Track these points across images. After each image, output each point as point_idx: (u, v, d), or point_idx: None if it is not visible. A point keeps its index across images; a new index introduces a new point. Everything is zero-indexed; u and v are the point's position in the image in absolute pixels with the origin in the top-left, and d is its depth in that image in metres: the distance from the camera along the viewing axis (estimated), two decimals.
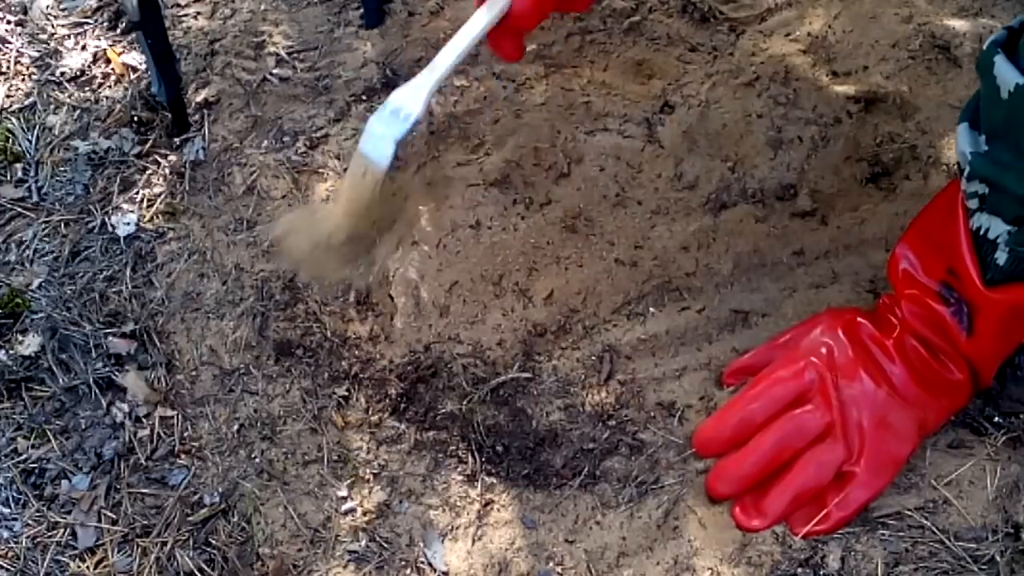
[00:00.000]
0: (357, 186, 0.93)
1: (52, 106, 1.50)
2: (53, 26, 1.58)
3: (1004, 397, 1.14)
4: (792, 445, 1.05)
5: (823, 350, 1.09)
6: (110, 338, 1.28)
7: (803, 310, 1.24)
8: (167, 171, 1.43)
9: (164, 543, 1.15)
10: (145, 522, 1.16)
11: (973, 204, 0.99)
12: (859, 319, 1.12)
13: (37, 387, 1.26)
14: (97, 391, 1.25)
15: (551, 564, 1.11)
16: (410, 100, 0.92)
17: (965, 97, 1.27)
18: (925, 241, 1.08)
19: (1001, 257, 0.97)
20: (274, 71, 1.49)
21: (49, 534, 1.16)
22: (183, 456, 1.22)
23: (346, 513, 1.17)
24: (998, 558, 1.05)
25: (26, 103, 1.50)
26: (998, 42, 0.91)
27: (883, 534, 1.08)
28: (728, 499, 1.09)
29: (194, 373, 1.27)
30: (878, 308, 1.13)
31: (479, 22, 0.93)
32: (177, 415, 1.24)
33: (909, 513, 1.09)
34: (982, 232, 0.98)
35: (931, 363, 1.07)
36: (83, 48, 1.56)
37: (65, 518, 1.17)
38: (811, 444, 1.05)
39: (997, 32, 0.93)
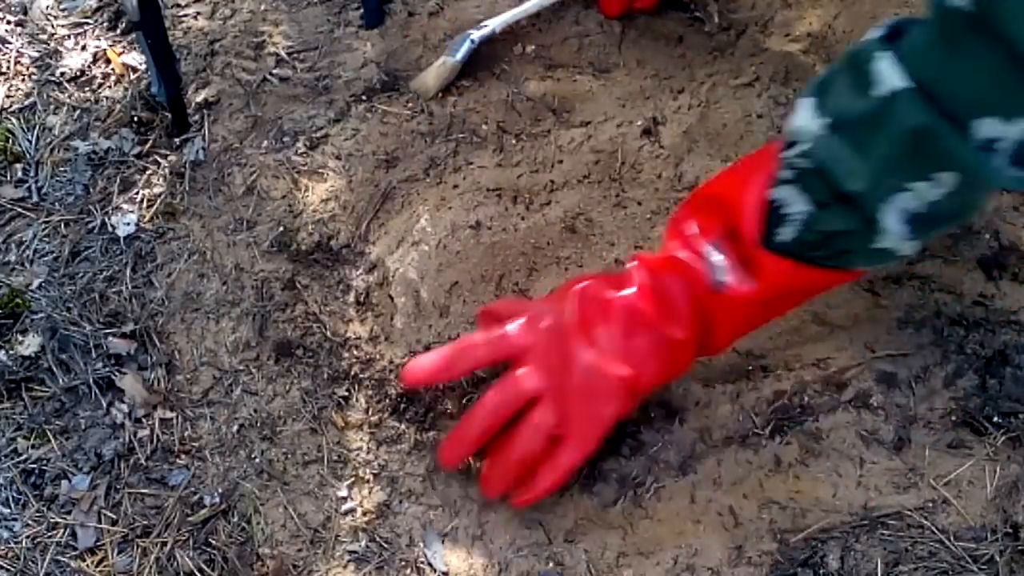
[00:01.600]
0: (443, 68, 1.42)
1: (52, 106, 1.50)
2: (53, 26, 1.58)
3: (1004, 397, 1.14)
4: (507, 410, 1.06)
5: (548, 314, 1.08)
6: (110, 338, 1.28)
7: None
8: (167, 171, 1.43)
9: (164, 543, 1.15)
10: (145, 522, 1.16)
11: (787, 175, 0.97)
12: (595, 281, 1.09)
13: (37, 387, 1.26)
14: (97, 391, 1.25)
15: (551, 564, 1.11)
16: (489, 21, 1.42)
17: None
18: (708, 204, 1.06)
19: (787, 233, 0.97)
20: (274, 71, 1.49)
21: (49, 534, 1.16)
22: (183, 456, 1.22)
23: (346, 513, 1.17)
24: (997, 558, 1.05)
25: (26, 103, 1.50)
26: (884, 37, 0.89)
27: (883, 534, 1.08)
28: (452, 465, 1.13)
29: (194, 373, 1.27)
30: (626, 270, 1.10)
31: None
32: (177, 415, 1.24)
33: (909, 513, 1.09)
34: (776, 205, 0.98)
35: (655, 322, 1.04)
36: (83, 48, 1.55)
37: (65, 518, 1.17)
38: (528, 409, 1.05)
39: (881, 27, 0.90)
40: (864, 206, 0.92)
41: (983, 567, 1.05)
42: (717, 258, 1.02)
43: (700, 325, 1.05)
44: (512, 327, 1.10)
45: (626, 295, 1.07)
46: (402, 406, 1.23)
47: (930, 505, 1.09)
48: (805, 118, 0.96)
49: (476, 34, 1.42)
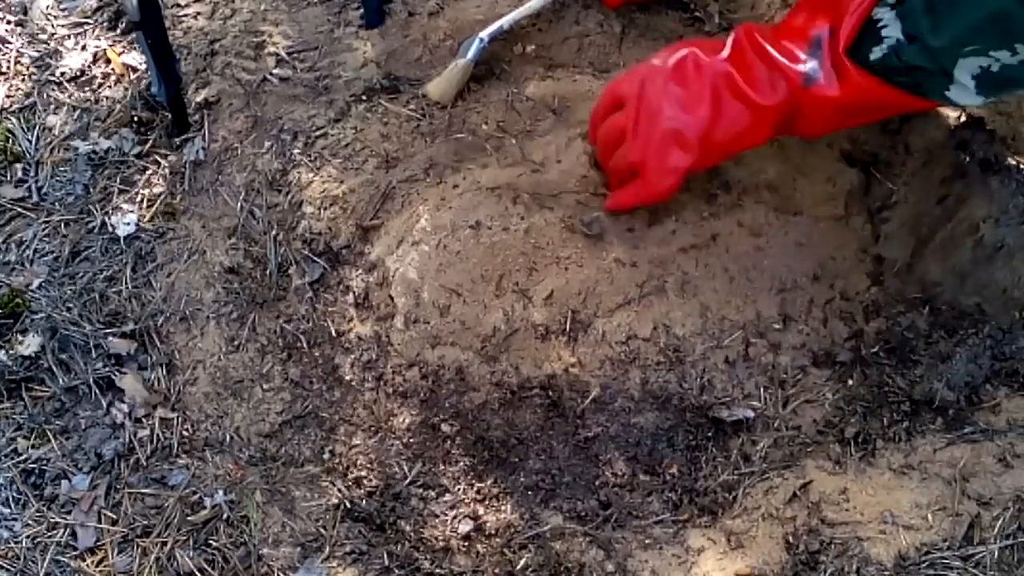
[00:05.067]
0: (455, 70, 1.43)
1: (52, 106, 1.50)
2: (53, 26, 1.58)
3: None
4: (608, 145, 1.24)
5: (648, 67, 1.20)
6: (110, 338, 1.28)
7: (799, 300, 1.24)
8: (167, 171, 1.43)
9: (164, 543, 1.15)
10: (145, 522, 1.16)
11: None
12: (697, 41, 1.22)
13: (37, 387, 1.26)
14: (97, 391, 1.25)
15: (555, 564, 1.11)
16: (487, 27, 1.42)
17: None
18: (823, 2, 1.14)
19: (877, 53, 1.07)
20: (274, 71, 1.49)
21: (49, 534, 1.16)
22: (183, 456, 1.22)
23: (346, 513, 1.17)
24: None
25: (26, 103, 1.50)
26: None
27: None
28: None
29: (194, 373, 1.27)
30: (727, 37, 1.20)
31: None
32: (177, 416, 1.24)
33: None
34: (878, 25, 1.07)
35: (740, 86, 1.14)
36: (83, 48, 1.55)
37: (65, 518, 1.17)
38: (619, 145, 1.22)
39: None
40: (941, 59, 1.03)
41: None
42: (813, 57, 1.11)
43: (786, 107, 1.14)
44: (620, 76, 1.24)
45: (720, 58, 1.17)
46: (403, 406, 1.23)
47: None
48: None
49: (485, 33, 1.42)
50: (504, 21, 1.43)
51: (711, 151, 1.18)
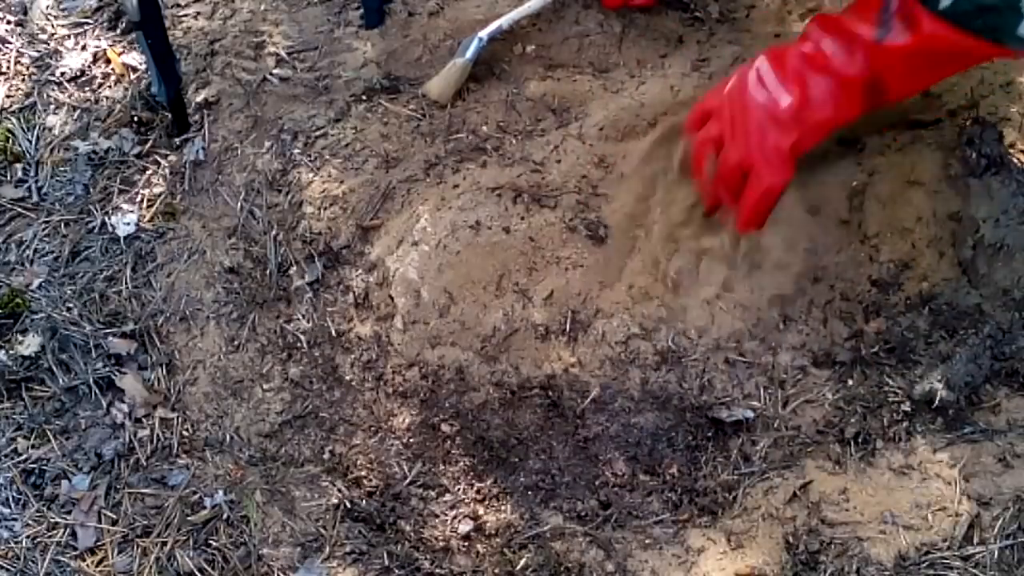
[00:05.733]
0: (454, 69, 1.43)
1: (52, 106, 1.50)
2: (53, 26, 1.58)
3: None
4: (701, 153, 1.26)
5: (733, 76, 1.24)
6: (110, 338, 1.28)
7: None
8: (167, 171, 1.43)
9: (164, 543, 1.15)
10: (145, 522, 1.16)
11: None
12: (772, 46, 1.25)
13: (37, 387, 1.26)
14: (97, 391, 1.25)
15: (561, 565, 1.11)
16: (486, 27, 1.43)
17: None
18: None
19: (945, 1, 1.08)
20: (274, 71, 1.49)
21: (49, 534, 1.16)
22: (183, 456, 1.22)
23: (346, 513, 1.17)
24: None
25: (26, 103, 1.50)
26: None
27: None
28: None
29: (194, 373, 1.27)
30: (802, 32, 1.23)
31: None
32: (177, 416, 1.24)
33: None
34: None
35: (825, 63, 1.17)
36: (83, 48, 1.55)
37: (65, 518, 1.17)
38: (714, 150, 1.24)
39: None
40: None
41: None
42: (885, 20, 1.13)
43: (869, 71, 1.16)
44: (703, 96, 1.28)
45: (800, 46, 1.20)
46: (403, 406, 1.23)
47: None
48: None
49: (484, 32, 1.42)
50: (503, 20, 1.43)
51: (810, 128, 1.20)
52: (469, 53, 1.42)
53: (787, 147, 1.19)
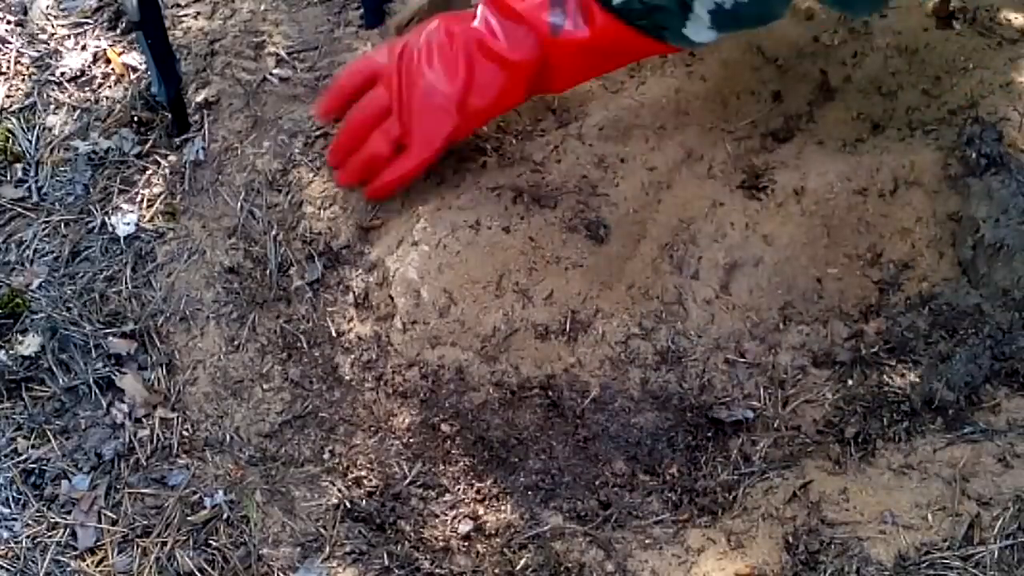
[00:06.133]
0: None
1: (52, 106, 1.49)
2: (53, 26, 1.58)
3: None
4: (366, 122, 1.27)
5: (403, 42, 1.26)
6: (110, 338, 1.28)
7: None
8: (167, 171, 1.43)
9: (164, 543, 1.15)
10: (145, 522, 1.16)
11: None
12: (445, 15, 1.27)
13: (37, 387, 1.26)
14: (97, 391, 1.25)
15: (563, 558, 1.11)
16: None
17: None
18: None
19: None
20: (274, 71, 1.49)
21: (49, 534, 1.16)
22: (183, 456, 1.22)
23: (346, 513, 1.17)
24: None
25: (26, 103, 1.50)
26: None
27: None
28: (335, 166, 1.35)
29: (194, 373, 1.27)
30: (472, 8, 1.25)
31: None
32: (177, 416, 1.24)
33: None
34: None
35: (491, 46, 1.20)
36: (83, 48, 1.55)
37: (65, 518, 1.17)
38: (379, 121, 1.26)
39: None
40: None
41: None
42: (557, 6, 1.17)
43: (537, 61, 1.19)
44: (372, 53, 1.32)
45: (469, 25, 1.23)
46: (403, 406, 1.23)
47: None
48: None
49: None
50: None
51: (471, 116, 1.24)
52: None
53: (445, 134, 1.24)
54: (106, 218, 1.39)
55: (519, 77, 1.21)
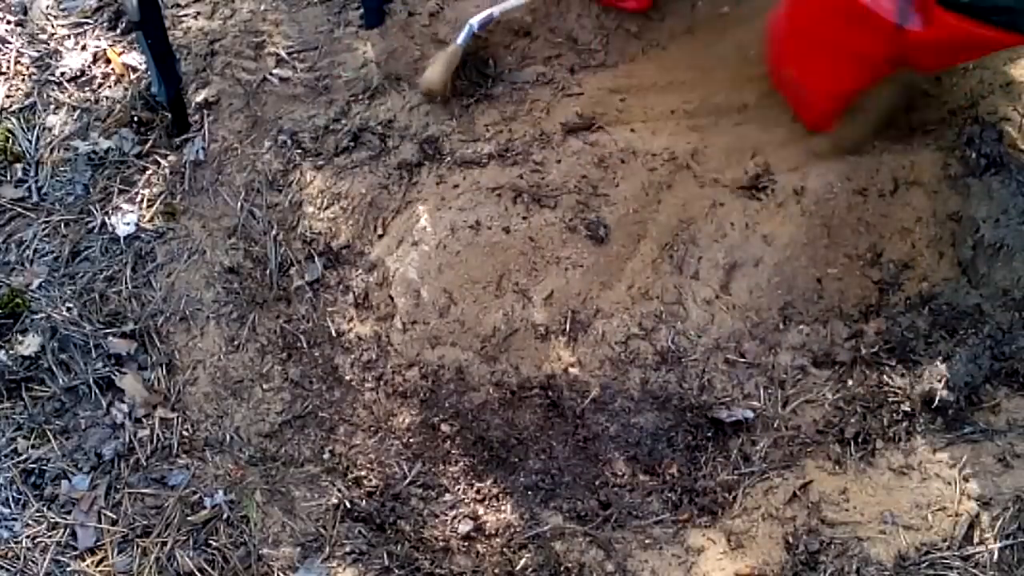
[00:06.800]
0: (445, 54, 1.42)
1: (52, 106, 1.49)
2: (53, 26, 1.58)
3: None
4: None
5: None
6: (110, 338, 1.28)
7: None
8: (167, 171, 1.43)
9: (164, 543, 1.15)
10: (145, 522, 1.16)
11: None
12: None
13: (37, 387, 1.26)
14: (97, 391, 1.25)
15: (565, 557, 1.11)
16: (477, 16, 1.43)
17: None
18: None
19: None
20: (274, 71, 1.49)
21: (49, 534, 1.16)
22: (183, 456, 1.22)
23: (346, 513, 1.17)
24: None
25: (26, 103, 1.50)
26: None
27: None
28: None
29: (194, 373, 1.27)
30: None
31: None
32: (177, 416, 1.24)
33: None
34: None
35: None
36: (83, 48, 1.55)
37: (65, 518, 1.16)
38: None
39: None
40: None
41: None
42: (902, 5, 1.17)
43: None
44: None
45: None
46: (403, 405, 1.23)
47: None
48: None
49: (475, 20, 1.42)
50: (495, 9, 1.44)
51: None
52: (460, 39, 1.42)
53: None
54: (106, 218, 1.39)
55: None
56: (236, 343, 1.29)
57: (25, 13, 1.60)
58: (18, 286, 1.33)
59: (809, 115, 1.30)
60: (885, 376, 1.21)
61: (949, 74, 1.38)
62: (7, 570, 1.13)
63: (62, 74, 1.53)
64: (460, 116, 1.42)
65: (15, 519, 1.17)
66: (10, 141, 1.46)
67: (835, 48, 1.24)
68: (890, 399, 1.20)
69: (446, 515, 1.17)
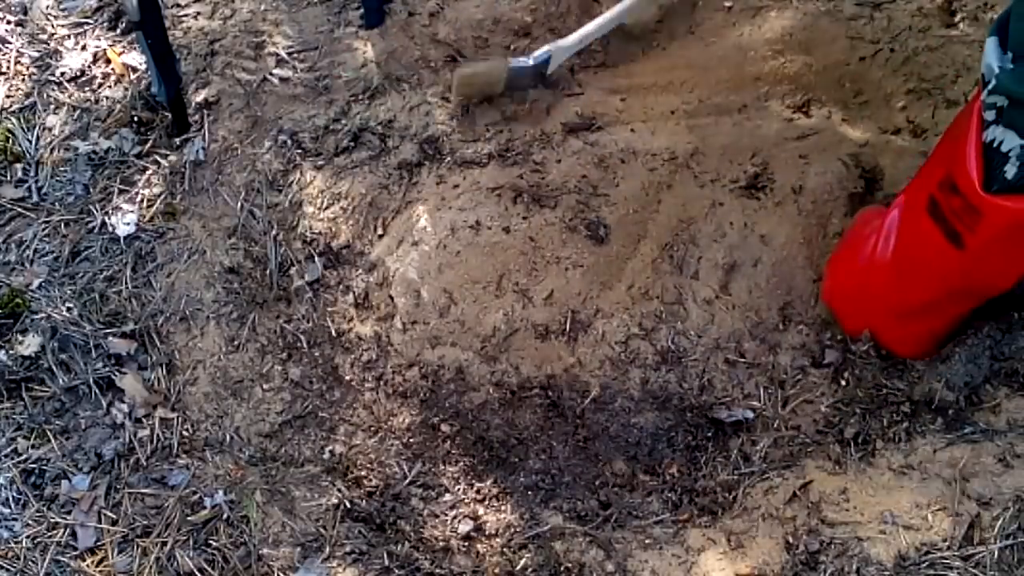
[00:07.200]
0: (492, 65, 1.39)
1: (52, 106, 1.49)
2: (53, 26, 1.58)
3: None
4: None
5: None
6: (110, 338, 1.28)
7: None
8: (167, 171, 1.43)
9: (164, 543, 1.15)
10: (145, 522, 1.16)
11: (990, 116, 1.02)
12: (874, 206, 1.26)
13: (37, 387, 1.26)
14: (97, 391, 1.25)
15: (567, 554, 1.11)
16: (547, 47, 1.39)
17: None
18: (935, 160, 1.12)
19: (1011, 171, 1.01)
20: (274, 71, 1.49)
21: (49, 534, 1.16)
22: (183, 456, 1.22)
23: (346, 513, 1.17)
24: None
25: (26, 103, 1.50)
26: None
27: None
28: None
29: (194, 373, 1.27)
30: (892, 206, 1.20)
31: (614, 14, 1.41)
32: (177, 416, 1.24)
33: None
34: (995, 144, 1.02)
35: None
36: (83, 48, 1.55)
37: (65, 518, 1.16)
38: None
39: None
40: None
41: None
42: (950, 219, 1.08)
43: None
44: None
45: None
46: (403, 405, 1.23)
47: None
48: (991, 57, 1.01)
49: (538, 53, 1.38)
50: (572, 41, 1.39)
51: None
52: (513, 62, 1.37)
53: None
54: (106, 218, 1.39)
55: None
56: (236, 343, 1.29)
57: (25, 13, 1.60)
58: (18, 286, 1.33)
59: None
60: (884, 377, 1.21)
61: (949, 74, 1.38)
62: (7, 570, 1.13)
63: (62, 74, 1.53)
64: (460, 116, 1.42)
65: (15, 519, 1.17)
66: (10, 141, 1.46)
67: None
68: (890, 399, 1.20)
69: (446, 515, 1.17)
